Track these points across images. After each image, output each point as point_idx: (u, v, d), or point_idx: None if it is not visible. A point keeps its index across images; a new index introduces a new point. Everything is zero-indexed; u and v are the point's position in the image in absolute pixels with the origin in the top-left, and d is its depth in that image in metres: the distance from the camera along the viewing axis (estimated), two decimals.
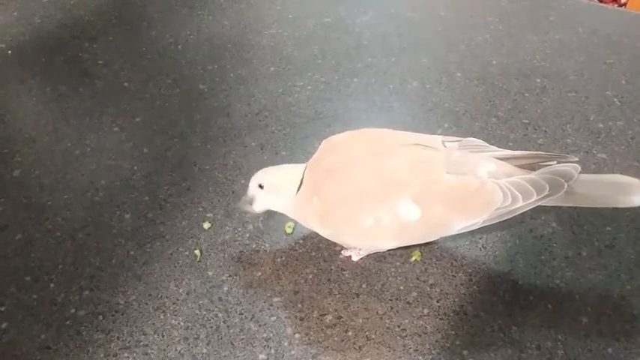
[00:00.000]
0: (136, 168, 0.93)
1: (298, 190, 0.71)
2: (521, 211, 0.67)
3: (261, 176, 0.73)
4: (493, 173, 0.69)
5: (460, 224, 0.68)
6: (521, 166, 0.71)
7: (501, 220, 0.68)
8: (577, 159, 0.69)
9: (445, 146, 0.71)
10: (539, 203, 0.67)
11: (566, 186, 0.66)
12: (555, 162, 0.69)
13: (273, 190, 0.73)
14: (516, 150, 0.74)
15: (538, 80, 1.08)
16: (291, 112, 1.03)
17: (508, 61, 1.13)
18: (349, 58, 1.16)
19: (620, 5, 2.06)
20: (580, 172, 0.67)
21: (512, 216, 0.68)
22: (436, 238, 0.74)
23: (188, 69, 1.14)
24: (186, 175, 0.91)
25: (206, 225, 0.82)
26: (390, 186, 0.68)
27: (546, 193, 0.66)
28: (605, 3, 1.98)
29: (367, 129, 0.76)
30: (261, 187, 0.73)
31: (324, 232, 0.72)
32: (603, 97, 1.03)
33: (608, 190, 0.68)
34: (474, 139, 0.73)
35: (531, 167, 0.70)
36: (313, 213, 0.71)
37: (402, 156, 0.69)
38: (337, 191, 0.69)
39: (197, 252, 0.78)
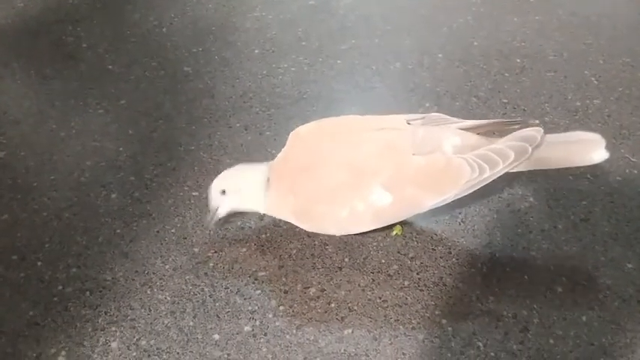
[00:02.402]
0: (121, 149, 0.93)
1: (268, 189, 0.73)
2: (491, 180, 0.70)
3: (221, 183, 0.74)
4: (459, 147, 0.71)
5: (432, 201, 0.71)
6: (486, 134, 0.73)
7: (472, 190, 0.71)
8: (538, 122, 0.71)
9: (409, 124, 0.73)
10: (507, 170, 0.69)
11: (530, 150, 0.68)
12: (518, 126, 0.72)
13: (237, 192, 0.74)
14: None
15: (518, 60, 1.10)
16: (276, 94, 1.04)
17: (489, 42, 1.14)
18: (333, 40, 1.17)
19: None
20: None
21: (482, 185, 0.70)
22: (411, 216, 0.76)
23: (173, 52, 1.15)
24: (171, 156, 0.92)
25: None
26: (361, 175, 0.70)
27: (512, 159, 0.68)
28: None
29: (332, 118, 0.78)
30: (223, 192, 0.74)
31: (304, 226, 0.75)
32: (581, 77, 1.05)
33: (570, 150, 0.71)
34: (437, 113, 0.75)
35: (496, 134, 0.73)
36: (290, 211, 0.73)
37: (369, 143, 0.72)
38: (312, 188, 0.72)
39: None
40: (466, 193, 0.71)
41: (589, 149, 0.70)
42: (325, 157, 0.72)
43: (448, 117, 0.75)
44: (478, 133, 0.73)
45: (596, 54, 1.11)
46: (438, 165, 0.69)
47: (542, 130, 0.70)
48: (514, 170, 0.71)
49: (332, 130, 0.75)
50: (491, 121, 0.74)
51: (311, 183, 0.72)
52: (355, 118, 0.77)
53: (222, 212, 0.76)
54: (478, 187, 0.70)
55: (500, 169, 0.69)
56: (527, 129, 0.71)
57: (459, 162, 0.69)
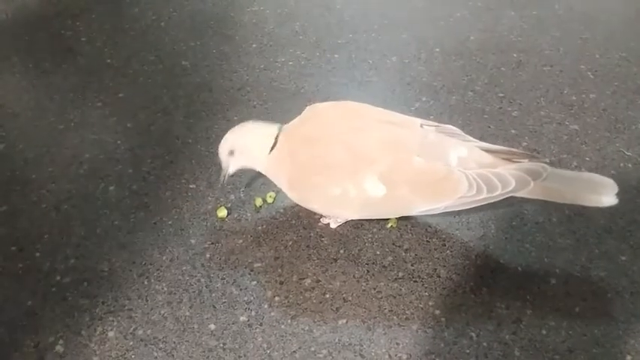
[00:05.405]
0: (119, 142, 0.94)
1: (272, 150, 0.74)
2: (486, 202, 0.69)
3: (228, 144, 0.76)
4: (464, 159, 0.71)
5: (422, 207, 0.71)
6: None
7: (464, 208, 0.71)
8: (548, 160, 0.71)
9: (422, 127, 0.73)
10: (505, 197, 0.69)
11: (532, 184, 0.68)
12: (527, 160, 0.71)
13: (243, 153, 0.76)
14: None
15: (514, 55, 1.10)
16: (273, 88, 1.04)
17: (485, 37, 1.15)
18: (330, 34, 1.17)
19: None
20: (557, 167, 0.70)
21: (475, 206, 0.70)
22: (398, 216, 0.77)
23: (171, 46, 1.15)
24: (169, 149, 0.93)
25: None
26: (360, 161, 0.71)
27: (511, 188, 0.68)
28: None
29: (350, 102, 0.78)
30: (231, 153, 0.76)
31: (293, 195, 0.75)
32: (577, 71, 1.06)
33: (579, 187, 0.69)
34: (453, 127, 0.75)
35: (505, 159, 0.72)
36: (285, 175, 0.74)
37: (377, 133, 0.72)
38: (310, 159, 0.72)
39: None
40: (457, 209, 0.71)
41: (600, 192, 0.69)
42: (331, 135, 0.72)
43: (462, 133, 0.74)
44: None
45: (592, 48, 1.11)
46: (437, 173, 0.69)
47: (549, 168, 0.69)
48: (516, 195, 0.70)
49: (346, 112, 0.76)
50: (504, 148, 0.73)
51: (311, 153, 0.72)
52: (371, 108, 0.77)
53: (231, 171, 0.78)
54: (471, 206, 0.70)
55: (497, 195, 0.69)
56: (536, 162, 0.70)
57: (459, 176, 0.69)
